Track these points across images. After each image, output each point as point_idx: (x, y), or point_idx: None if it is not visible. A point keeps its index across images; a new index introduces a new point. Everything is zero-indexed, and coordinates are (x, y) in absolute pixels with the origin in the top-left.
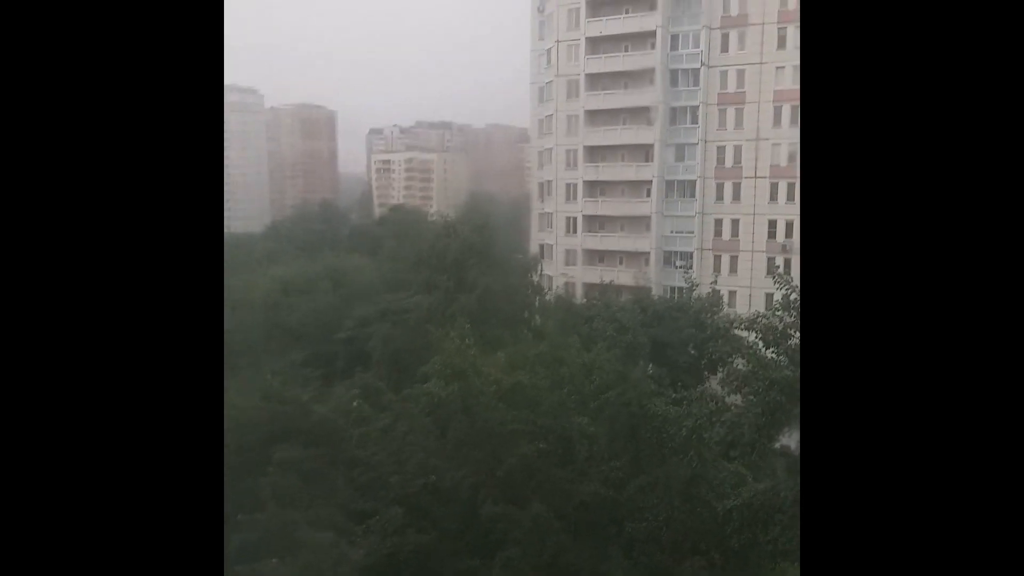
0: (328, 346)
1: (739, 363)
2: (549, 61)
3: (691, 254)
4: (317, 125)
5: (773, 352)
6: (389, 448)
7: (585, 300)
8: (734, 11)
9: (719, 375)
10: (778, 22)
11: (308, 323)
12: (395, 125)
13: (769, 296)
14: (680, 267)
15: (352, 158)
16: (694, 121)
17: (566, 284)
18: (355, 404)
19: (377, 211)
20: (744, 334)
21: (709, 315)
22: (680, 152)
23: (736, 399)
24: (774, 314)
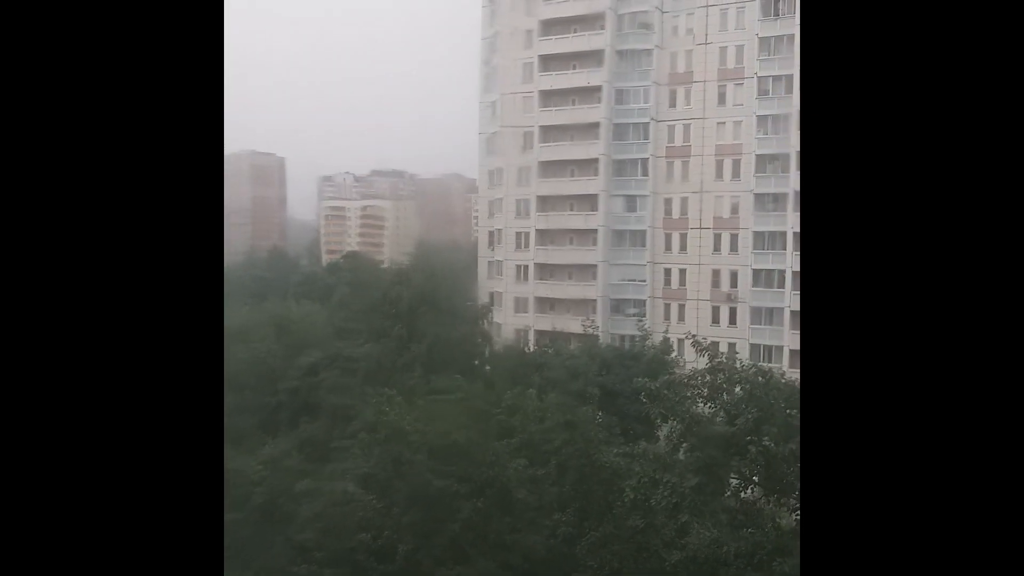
0: (270, 396)
1: (676, 422)
2: (495, 112)
3: (644, 302)
4: (266, 171)
5: (709, 407)
6: (327, 506)
7: (536, 348)
8: (680, 68)
9: (666, 428)
10: (718, 80)
11: (247, 372)
12: (348, 172)
13: (716, 344)
14: (633, 315)
15: (301, 205)
16: (644, 173)
17: (517, 332)
18: (287, 463)
19: (325, 258)
20: (688, 385)
21: (659, 364)
22: (631, 203)
23: (681, 455)
24: (703, 377)
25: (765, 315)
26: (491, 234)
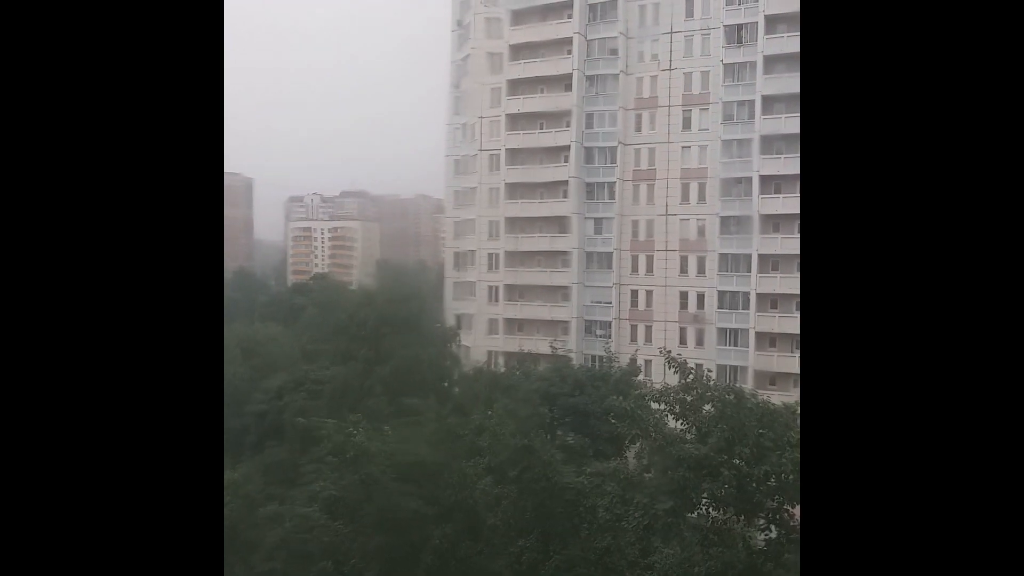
0: (237, 419)
1: (650, 436)
2: (464, 135)
3: (610, 323)
4: (234, 192)
5: (682, 424)
6: (292, 532)
7: (505, 369)
8: (646, 93)
9: (635, 448)
10: (683, 104)
11: None
12: (315, 193)
13: (684, 362)
14: (600, 336)
15: (267, 226)
16: (611, 196)
17: (488, 353)
18: (248, 487)
19: (292, 279)
20: (656, 406)
21: (627, 385)
22: (599, 225)
23: (650, 474)
24: (676, 394)
25: (731, 336)
26: (456, 255)
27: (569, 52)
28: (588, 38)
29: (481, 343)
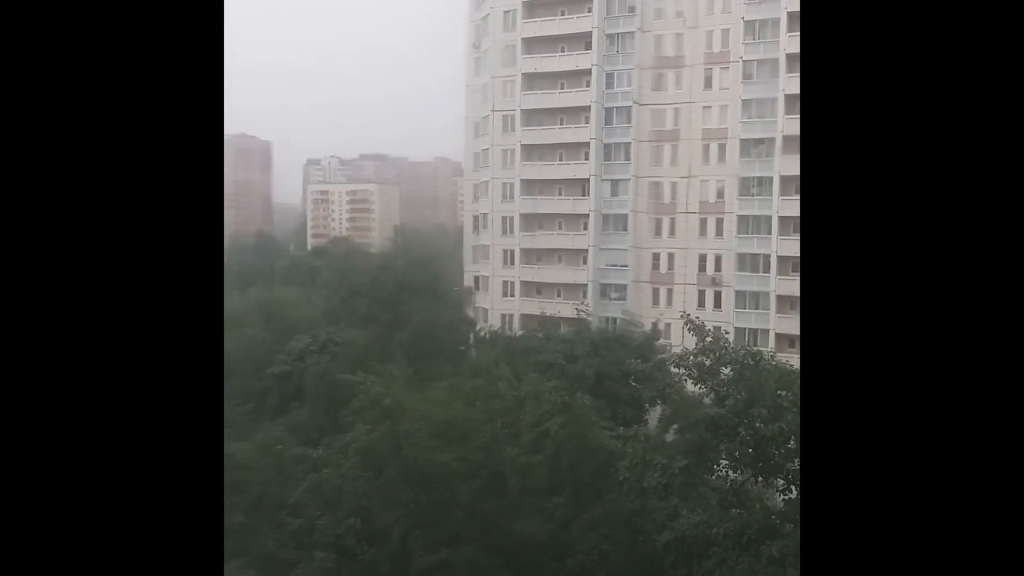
0: (259, 382)
1: (670, 399)
2: (485, 96)
3: (625, 287)
4: (252, 155)
5: (700, 387)
6: (318, 490)
7: (523, 332)
8: (667, 52)
9: (655, 410)
10: (705, 63)
11: (236, 358)
12: (334, 156)
13: (702, 325)
14: (615, 299)
15: (286, 189)
16: (627, 157)
17: (503, 316)
18: (279, 447)
19: (311, 243)
20: (675, 370)
21: (647, 349)
22: (615, 187)
23: (670, 436)
24: (695, 357)
25: (750, 299)
26: (475, 218)
27: (589, 10)
28: None
29: (497, 306)
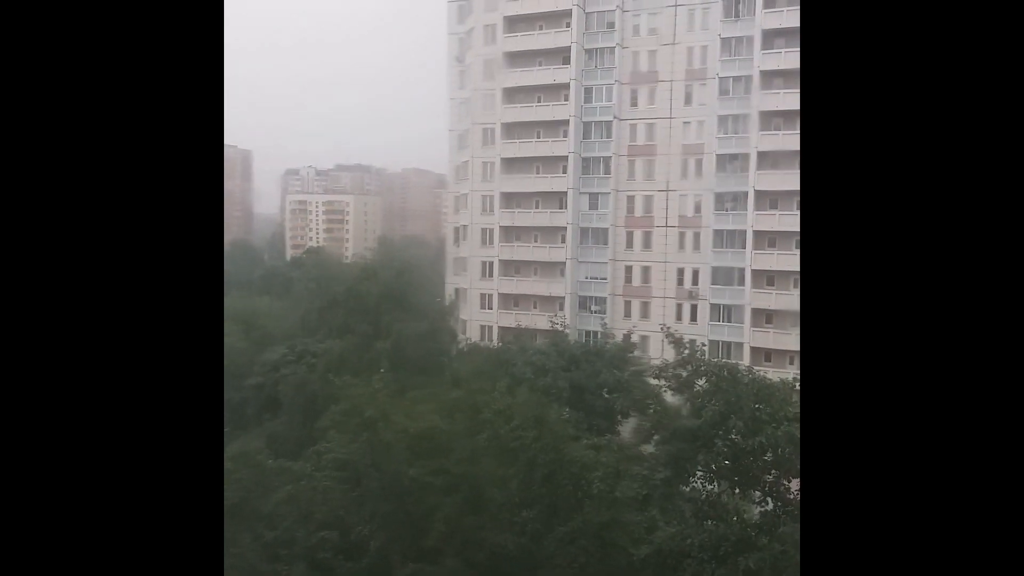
0: (236, 392)
1: (648, 410)
2: (468, 109)
3: (605, 299)
4: (231, 164)
5: (678, 398)
6: (294, 502)
7: (501, 344)
8: (646, 67)
9: (631, 421)
10: (685, 79)
11: None
12: (311, 166)
13: (681, 339)
14: (595, 312)
15: (265, 199)
16: (606, 171)
17: (482, 328)
18: (258, 458)
19: (289, 253)
20: (654, 381)
21: (622, 361)
22: (593, 200)
23: (648, 447)
24: (673, 369)
25: (725, 312)
26: (456, 230)
27: (567, 25)
28: (587, 11)
29: (475, 318)
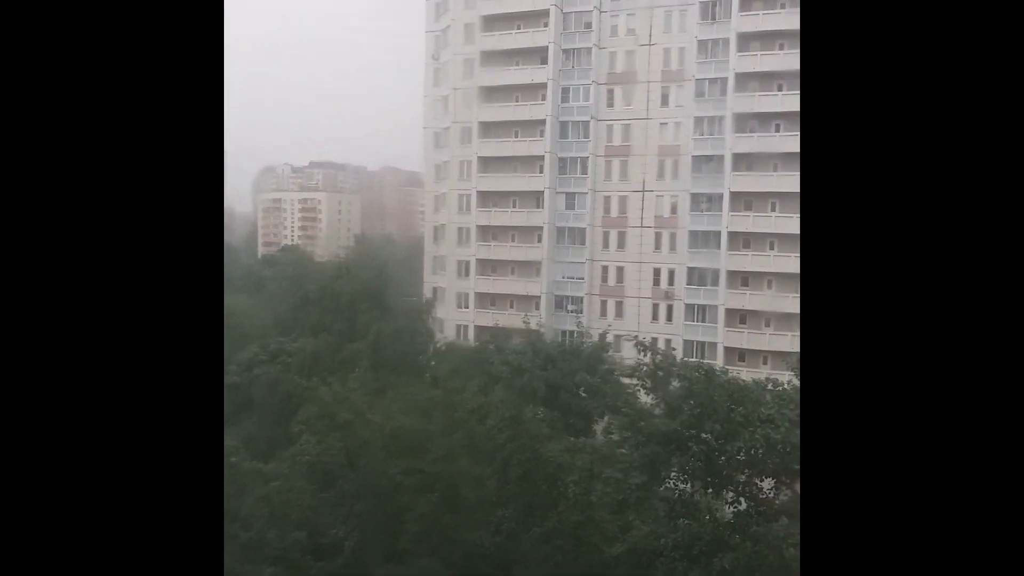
0: None
1: (623, 411)
2: (446, 107)
3: (581, 299)
4: None
5: (652, 398)
6: (269, 503)
7: (477, 343)
8: (623, 68)
9: (605, 422)
10: (662, 81)
11: None
12: (286, 164)
13: (654, 340)
14: (572, 311)
15: (241, 197)
16: (583, 171)
17: (458, 327)
18: (233, 459)
19: (262, 250)
20: (628, 381)
21: (598, 361)
22: (570, 200)
23: (623, 449)
24: (645, 371)
25: (699, 312)
26: (434, 229)
27: (545, 25)
28: (564, 11)
29: (452, 317)
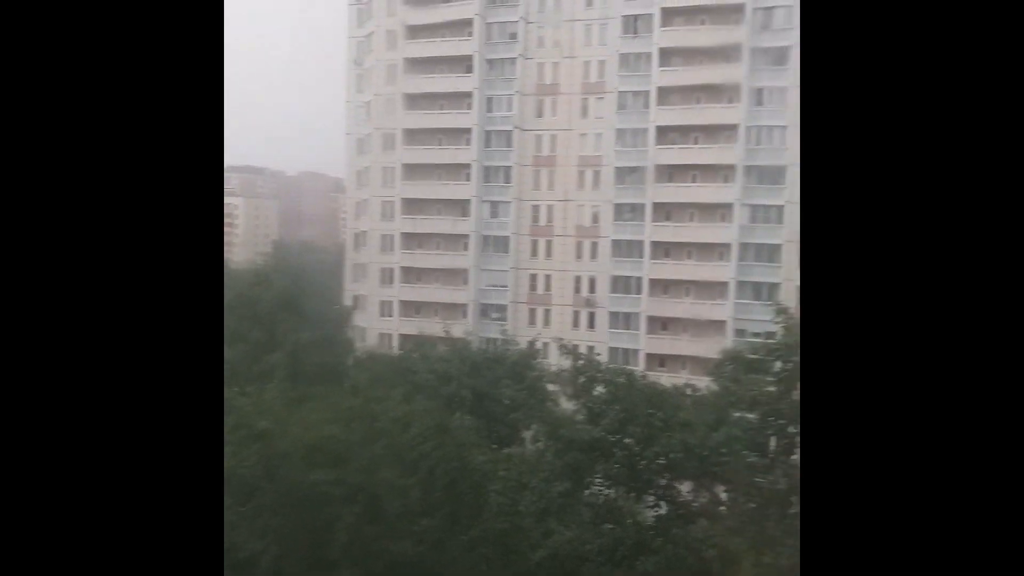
0: None
1: (547, 418)
2: (369, 113)
3: (506, 307)
4: None
5: (575, 405)
6: None
7: (401, 352)
8: (547, 80)
9: (533, 430)
10: (582, 93)
11: None
12: None
13: (576, 346)
14: (495, 319)
15: None
16: (508, 180)
17: (382, 336)
18: None
19: None
20: (552, 388)
21: (524, 368)
22: (495, 209)
23: (548, 456)
24: (569, 378)
25: (622, 320)
26: (356, 236)
27: (470, 34)
28: (488, 21)
29: (375, 326)
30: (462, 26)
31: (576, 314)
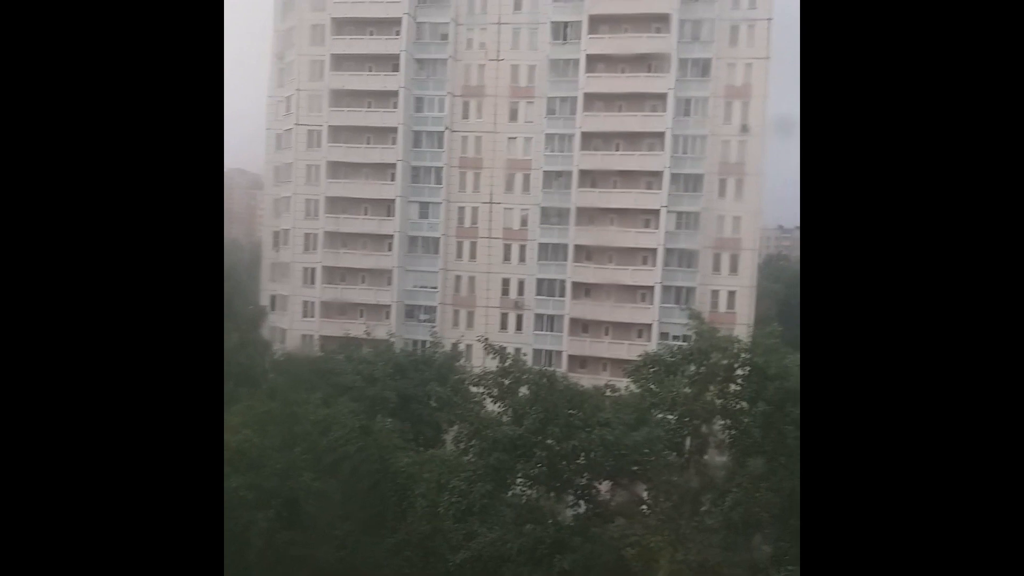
0: None
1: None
2: (288, 109)
3: (435, 308)
4: None
5: (499, 407)
6: None
7: (323, 353)
8: (476, 82)
9: (456, 431)
10: (510, 96)
11: None
12: None
13: (503, 348)
14: (424, 320)
15: None
16: (438, 181)
17: (303, 337)
18: None
19: None
20: (476, 389)
21: (448, 370)
22: (424, 209)
23: (470, 457)
24: (494, 379)
25: (547, 322)
26: (275, 234)
27: (397, 33)
28: (418, 20)
29: (296, 327)
30: (390, 25)
31: (504, 316)
